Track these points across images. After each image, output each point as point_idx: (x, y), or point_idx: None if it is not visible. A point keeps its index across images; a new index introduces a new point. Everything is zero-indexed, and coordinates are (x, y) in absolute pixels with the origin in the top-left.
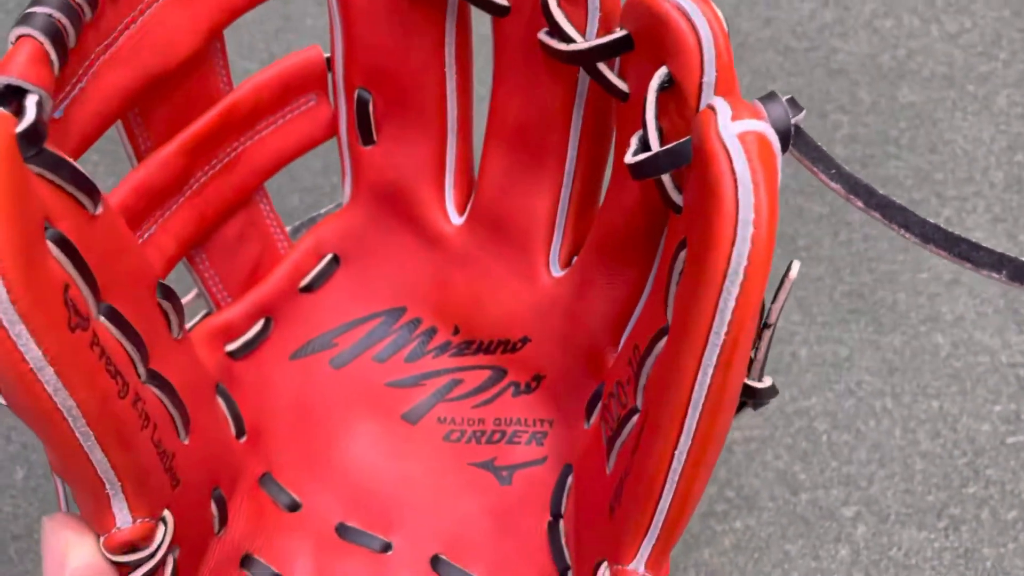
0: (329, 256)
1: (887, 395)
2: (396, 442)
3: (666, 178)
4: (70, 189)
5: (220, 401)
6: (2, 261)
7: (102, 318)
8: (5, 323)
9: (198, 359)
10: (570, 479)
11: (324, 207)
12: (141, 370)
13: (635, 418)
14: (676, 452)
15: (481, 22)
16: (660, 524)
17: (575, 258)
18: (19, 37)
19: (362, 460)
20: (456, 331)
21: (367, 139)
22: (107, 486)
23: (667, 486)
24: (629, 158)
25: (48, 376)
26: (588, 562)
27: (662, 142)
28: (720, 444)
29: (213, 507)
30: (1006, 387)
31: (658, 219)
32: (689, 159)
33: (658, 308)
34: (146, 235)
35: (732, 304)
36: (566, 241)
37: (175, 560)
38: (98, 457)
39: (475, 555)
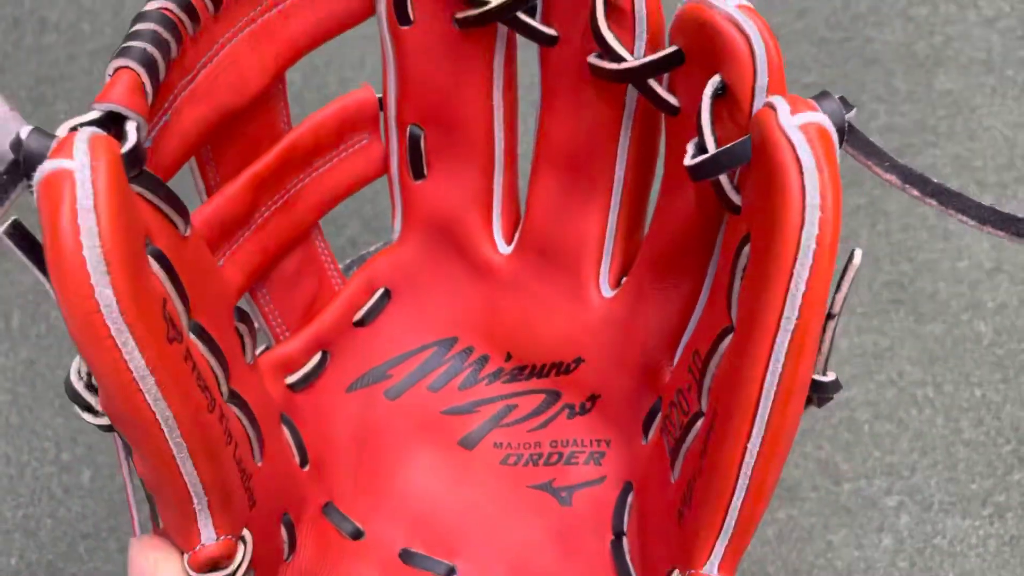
0: (381, 290)
1: (928, 384)
2: (454, 468)
3: (724, 179)
4: (166, 209)
5: (285, 430)
6: (112, 273)
7: (191, 334)
8: (113, 332)
9: (264, 387)
10: (631, 497)
11: (375, 244)
12: (224, 388)
13: (700, 422)
14: (748, 447)
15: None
16: (733, 523)
17: (624, 278)
18: (118, 68)
19: (421, 487)
20: (508, 357)
21: (418, 174)
22: (195, 500)
23: (739, 483)
24: (688, 160)
25: (149, 385)
26: (657, 574)
27: (717, 146)
28: (792, 435)
29: (283, 532)
30: None
31: (713, 224)
32: (747, 157)
33: (719, 309)
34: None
35: (802, 288)
36: (616, 261)
37: None
38: (188, 469)
39: None
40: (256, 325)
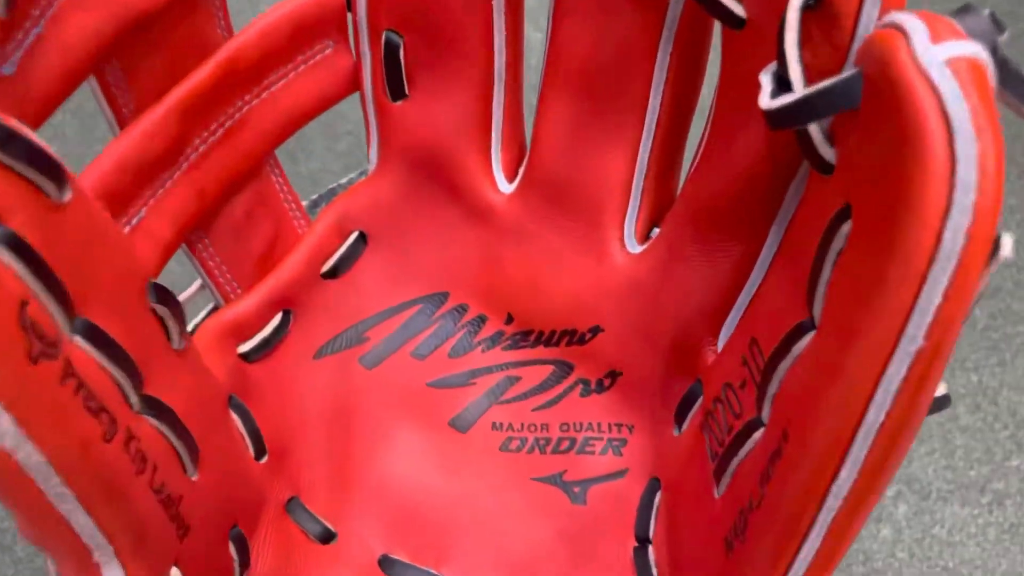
0: (355, 234)
1: None
2: (444, 455)
3: (814, 128)
4: (25, 171)
5: (235, 417)
6: None
7: (78, 338)
8: None
9: (206, 371)
10: (658, 496)
11: (347, 176)
12: (134, 399)
13: (758, 434)
14: (832, 489)
15: None
16: (803, 572)
17: (655, 230)
18: None
19: (404, 478)
20: (509, 319)
21: (397, 93)
22: (95, 552)
23: (816, 527)
24: (766, 101)
25: (5, 426)
26: None
27: (807, 80)
28: (892, 476)
29: (232, 550)
30: None
31: (784, 178)
32: (856, 100)
33: (793, 296)
34: (134, 221)
35: (937, 300)
36: (645, 209)
37: None
38: (81, 521)
39: None
40: (199, 283)
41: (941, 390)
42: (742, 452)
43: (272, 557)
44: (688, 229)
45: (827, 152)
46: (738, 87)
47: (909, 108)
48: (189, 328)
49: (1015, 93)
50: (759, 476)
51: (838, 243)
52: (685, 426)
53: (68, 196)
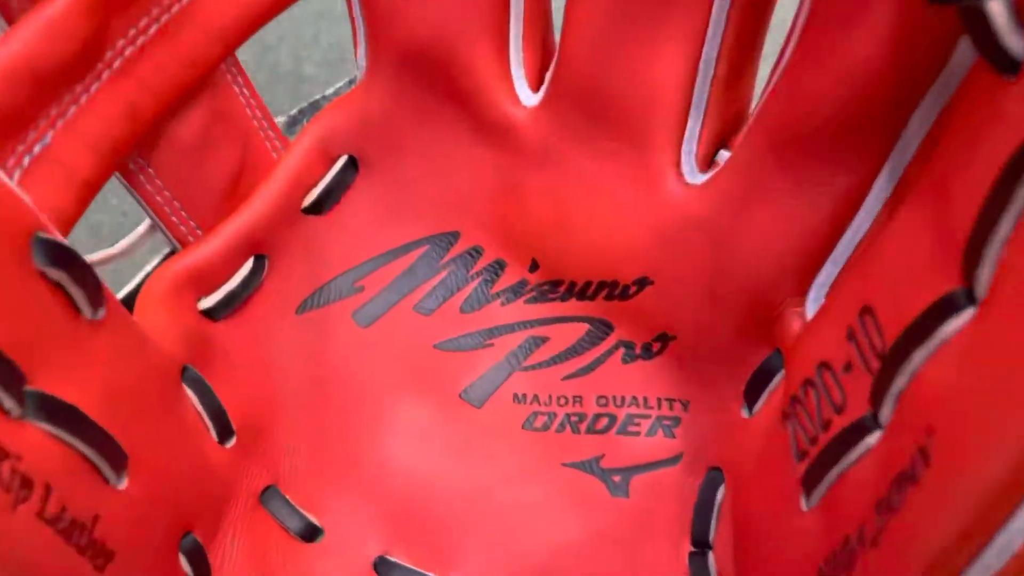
0: (343, 159)
1: None
2: (455, 434)
3: (999, 5)
4: None
5: (190, 394)
6: None
7: None
8: None
9: (139, 343)
10: (721, 491)
11: (333, 86)
12: (8, 402)
13: (872, 440)
14: (1001, 537)
15: None
16: None
17: (722, 153)
18: None
19: (405, 463)
20: (535, 266)
21: None
22: None
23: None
24: None
25: None
26: None
27: None
28: None
29: (185, 563)
30: None
31: (918, 84)
32: None
33: (936, 253)
34: (36, 149)
35: None
36: (708, 126)
37: None
38: None
39: None
40: (148, 223)
41: None
42: (846, 461)
43: (242, 560)
44: (772, 152)
45: (1014, 40)
46: None
47: None
48: (140, 278)
49: None
50: (877, 502)
51: None
52: (758, 407)
53: None
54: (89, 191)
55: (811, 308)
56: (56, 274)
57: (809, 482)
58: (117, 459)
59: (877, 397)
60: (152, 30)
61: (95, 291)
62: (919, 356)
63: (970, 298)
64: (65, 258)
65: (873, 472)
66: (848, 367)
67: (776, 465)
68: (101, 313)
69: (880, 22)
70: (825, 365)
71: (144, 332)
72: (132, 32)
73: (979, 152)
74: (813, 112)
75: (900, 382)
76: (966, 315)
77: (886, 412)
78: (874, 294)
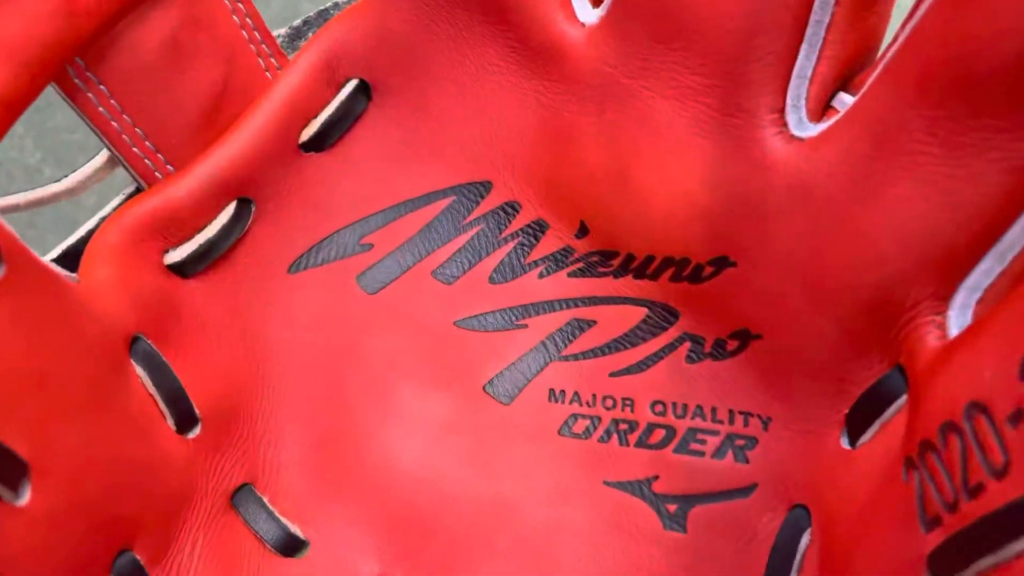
0: (353, 83)
1: None
2: (476, 435)
3: None
4: None
5: (140, 373)
6: None
7: None
8: None
9: (64, 311)
10: (806, 538)
11: None
12: None
13: None
14: None
15: None
16: None
17: (844, 97)
18: None
19: (416, 466)
20: (583, 230)
21: None
22: None
23: None
24: None
25: None
26: None
27: None
28: None
29: None
30: None
31: None
32: None
33: None
34: None
35: None
36: (825, 61)
37: None
38: None
39: None
40: (105, 154)
41: None
42: (1008, 552)
43: (206, 572)
44: (919, 103)
45: None
46: None
47: None
48: (94, 222)
49: None
50: None
51: None
52: (866, 439)
53: None
54: (8, 112)
55: (956, 319)
56: None
57: (943, 566)
58: (14, 472)
59: None
60: None
61: (13, 244)
62: None
63: None
64: None
65: None
66: (1018, 416)
67: (889, 525)
68: (1, 270)
69: None
70: (979, 407)
71: (74, 295)
72: None
73: None
74: (980, 49)
75: None
76: None
77: None
78: None
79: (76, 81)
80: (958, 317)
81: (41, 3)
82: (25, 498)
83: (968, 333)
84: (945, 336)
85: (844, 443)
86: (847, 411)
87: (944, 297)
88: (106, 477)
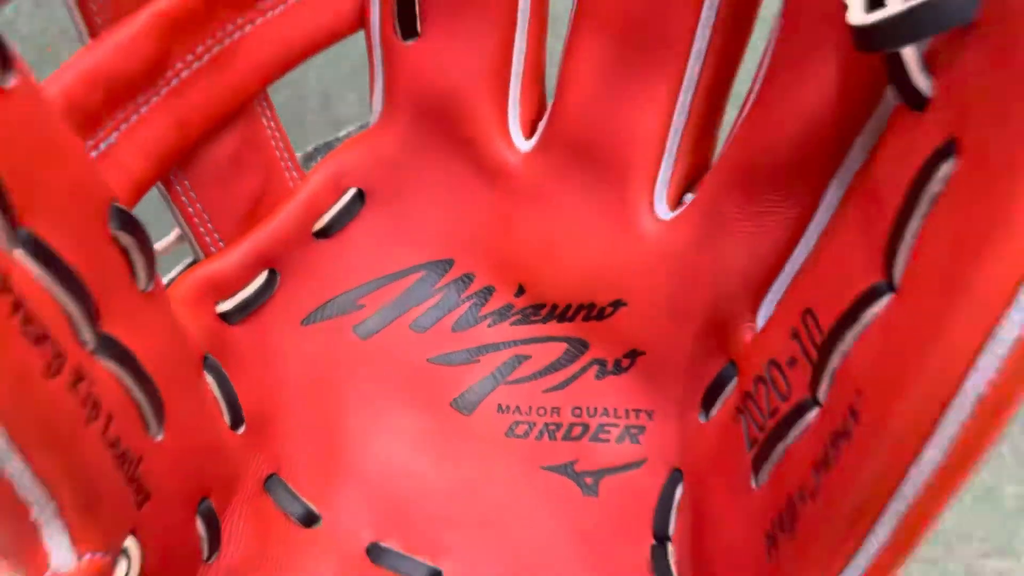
0: (352, 191)
1: None
2: (444, 438)
3: (911, 52)
4: None
5: (210, 380)
6: None
7: (20, 252)
8: None
9: (177, 324)
10: (679, 490)
11: (344, 129)
12: (87, 334)
13: (811, 416)
14: (910, 473)
15: None
16: (865, 569)
17: (689, 195)
18: None
19: (400, 461)
20: (520, 291)
21: (409, 31)
22: (33, 509)
23: (882, 522)
24: (859, 16)
25: None
26: None
27: None
28: (986, 457)
29: (200, 526)
30: None
31: (854, 125)
32: (970, 14)
33: (864, 256)
34: (102, 147)
35: None
36: (679, 170)
37: None
38: (15, 468)
39: None
40: (177, 232)
41: None
42: (790, 436)
43: (247, 538)
44: (733, 190)
45: (923, 82)
46: (808, 13)
47: None
48: (165, 282)
49: None
50: (814, 463)
51: (934, 187)
52: (714, 412)
53: (12, 82)
54: (138, 191)
55: (761, 321)
56: (125, 239)
57: (758, 462)
58: (159, 411)
59: (816, 379)
60: (205, 59)
61: (151, 263)
62: (849, 337)
63: (890, 287)
64: (133, 226)
65: (811, 442)
66: (792, 362)
67: (730, 456)
68: (151, 286)
69: (825, 73)
70: (773, 363)
71: (177, 315)
72: (189, 58)
73: (897, 170)
74: (768, 154)
75: (835, 362)
76: (885, 300)
77: (823, 389)
78: (814, 298)
79: (171, 177)
80: (762, 319)
81: (167, 122)
82: (161, 436)
83: (766, 325)
84: (755, 332)
85: (701, 419)
86: (701, 397)
87: (754, 310)
88: (196, 441)
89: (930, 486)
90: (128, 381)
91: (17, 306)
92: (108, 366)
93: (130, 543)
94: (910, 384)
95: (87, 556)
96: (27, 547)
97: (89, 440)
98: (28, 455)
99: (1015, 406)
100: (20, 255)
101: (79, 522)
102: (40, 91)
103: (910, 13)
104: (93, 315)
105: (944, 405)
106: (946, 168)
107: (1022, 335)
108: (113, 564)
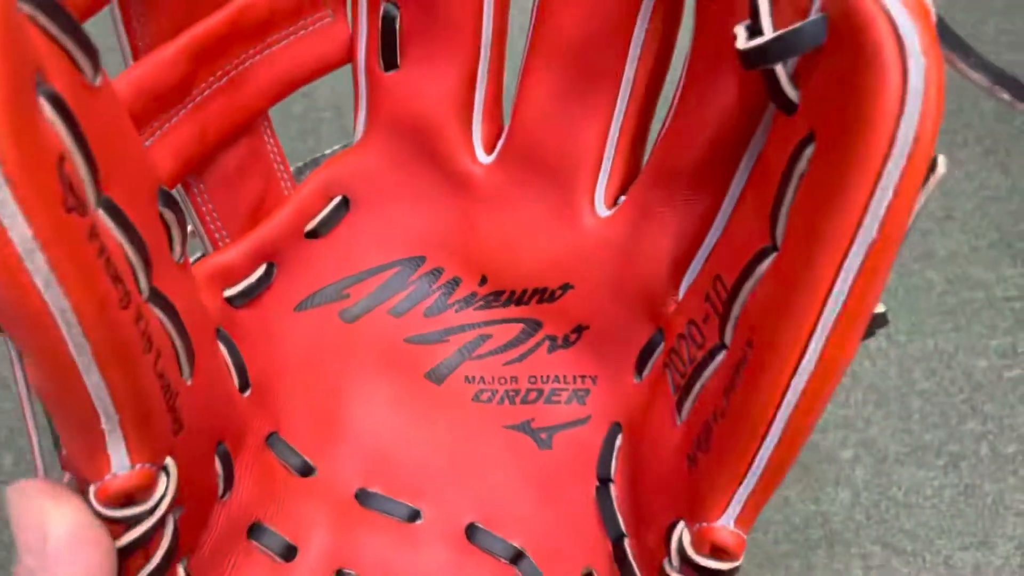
0: (338, 198)
1: (881, 335)
2: (420, 403)
3: (780, 69)
4: (67, 44)
5: (222, 347)
6: None
7: (101, 212)
8: None
9: (199, 293)
10: (619, 439)
11: (331, 148)
12: (143, 283)
13: (721, 356)
14: (792, 383)
15: None
16: (760, 471)
17: (621, 197)
18: None
19: (382, 423)
20: (483, 281)
21: (390, 63)
22: (103, 419)
23: (775, 424)
24: (743, 43)
25: (38, 264)
26: (655, 525)
27: (775, 27)
28: (843, 374)
29: (218, 464)
30: (1001, 321)
31: (749, 127)
32: (821, 38)
33: (755, 227)
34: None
35: (890, 193)
36: (615, 176)
37: (175, 523)
38: (94, 380)
39: (515, 524)
40: (190, 228)
41: (880, 309)
42: (705, 375)
43: (253, 484)
44: (657, 188)
45: (791, 92)
46: (711, 45)
47: (869, 33)
48: None
49: (947, 44)
50: (723, 390)
51: (801, 166)
52: (646, 373)
53: (100, 80)
54: (169, 187)
55: (683, 293)
56: (168, 216)
57: (680, 402)
58: (191, 357)
59: (723, 328)
60: (223, 80)
61: (184, 239)
62: (746, 289)
63: (775, 247)
64: (175, 206)
65: (721, 375)
66: (706, 318)
67: (658, 405)
68: (183, 259)
69: (726, 90)
70: (691, 322)
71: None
72: (211, 79)
73: (776, 159)
74: (685, 157)
75: (735, 311)
76: (771, 257)
77: (728, 334)
78: (721, 265)
79: (189, 180)
80: (683, 291)
81: (192, 131)
82: (191, 380)
83: (686, 294)
84: (677, 302)
85: (636, 380)
86: (635, 361)
87: (676, 286)
88: (219, 388)
89: (806, 392)
90: (170, 328)
91: (102, 250)
92: (157, 313)
93: (169, 462)
94: (788, 314)
95: (138, 466)
96: (95, 453)
97: (145, 367)
98: (104, 369)
99: (862, 320)
100: (102, 214)
101: (135, 435)
102: (114, 90)
103: (778, 39)
104: (149, 268)
105: (812, 326)
106: (808, 152)
107: (861, 265)
108: (156, 476)
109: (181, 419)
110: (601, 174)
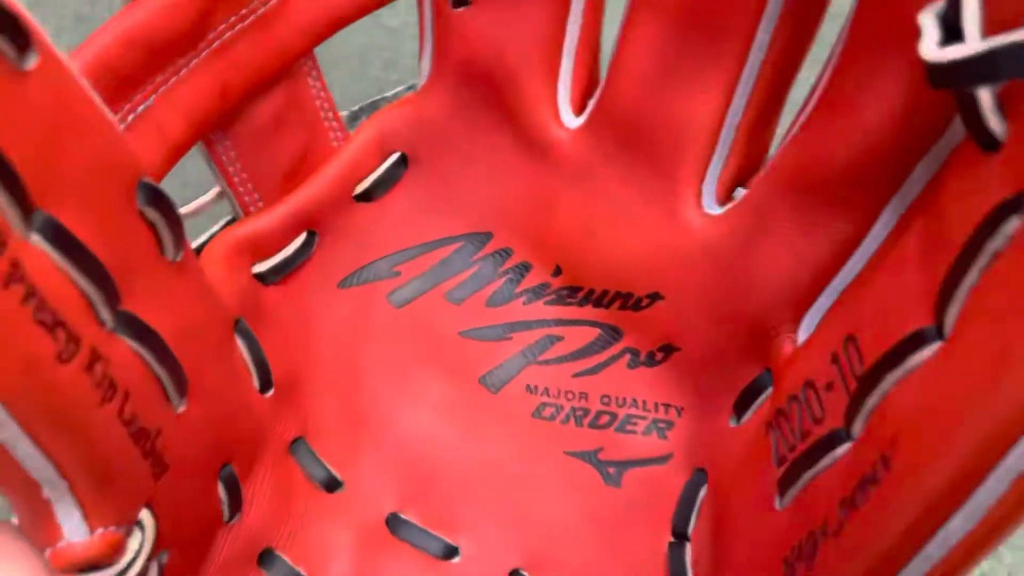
0: (396, 155)
1: None
2: (471, 413)
3: (986, 93)
4: None
5: (240, 344)
6: None
7: (36, 237)
8: None
9: (207, 290)
10: (703, 490)
11: (393, 90)
12: (105, 315)
13: (842, 450)
14: (941, 533)
15: None
16: None
17: (739, 191)
18: None
19: (424, 434)
20: (557, 271)
21: None
22: (44, 488)
23: (908, 571)
24: (932, 51)
25: None
26: None
27: (985, 29)
28: (1014, 531)
29: (222, 490)
30: None
31: (916, 150)
32: None
33: (915, 295)
34: (140, 109)
35: None
36: (731, 165)
37: (160, 569)
38: (25, 451)
39: (566, 574)
40: (217, 189)
41: None
42: (819, 466)
43: (269, 501)
44: (785, 195)
45: (997, 124)
46: (880, 27)
47: None
48: (203, 239)
49: None
50: (840, 500)
51: (996, 242)
52: (746, 418)
53: (33, 63)
54: (177, 153)
55: (803, 334)
56: (152, 215)
57: (784, 484)
58: (181, 384)
59: (851, 413)
60: (249, 20)
61: (179, 234)
62: (890, 379)
63: (939, 334)
64: (161, 202)
65: (840, 477)
66: (829, 386)
67: (757, 469)
68: (180, 256)
69: (891, 92)
70: (809, 383)
71: (210, 281)
72: (232, 19)
73: (960, 212)
74: (824, 164)
75: (872, 401)
76: (933, 348)
77: (858, 426)
78: (859, 325)
79: (212, 137)
80: (804, 333)
81: (208, 84)
82: (183, 407)
83: (807, 342)
84: (795, 345)
85: (732, 423)
86: (734, 401)
87: (796, 321)
88: (222, 408)
89: (955, 551)
90: (148, 357)
91: (29, 295)
92: (129, 344)
93: (144, 516)
94: (948, 449)
95: (99, 531)
96: (40, 522)
97: (102, 421)
98: (38, 438)
99: None
100: (37, 240)
101: (92, 500)
102: (65, 69)
103: (991, 54)
104: (114, 295)
105: (981, 477)
106: (1010, 226)
107: None
108: (127, 535)
109: (165, 460)
110: (714, 160)
